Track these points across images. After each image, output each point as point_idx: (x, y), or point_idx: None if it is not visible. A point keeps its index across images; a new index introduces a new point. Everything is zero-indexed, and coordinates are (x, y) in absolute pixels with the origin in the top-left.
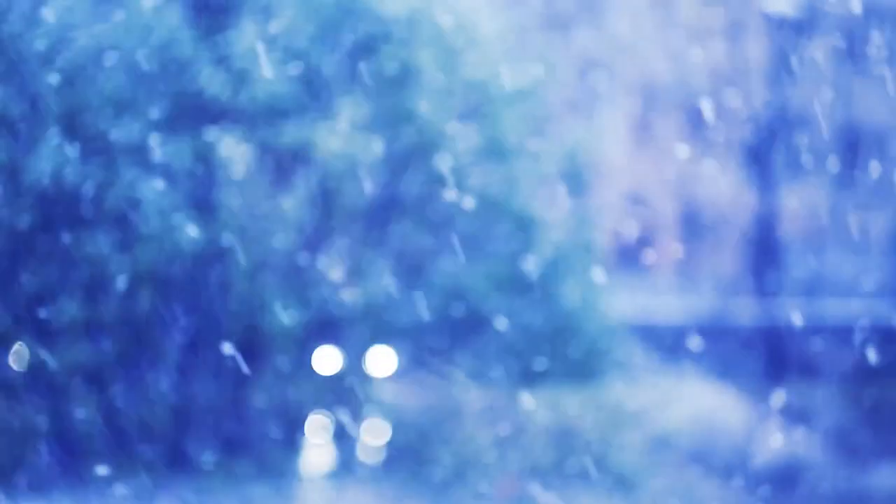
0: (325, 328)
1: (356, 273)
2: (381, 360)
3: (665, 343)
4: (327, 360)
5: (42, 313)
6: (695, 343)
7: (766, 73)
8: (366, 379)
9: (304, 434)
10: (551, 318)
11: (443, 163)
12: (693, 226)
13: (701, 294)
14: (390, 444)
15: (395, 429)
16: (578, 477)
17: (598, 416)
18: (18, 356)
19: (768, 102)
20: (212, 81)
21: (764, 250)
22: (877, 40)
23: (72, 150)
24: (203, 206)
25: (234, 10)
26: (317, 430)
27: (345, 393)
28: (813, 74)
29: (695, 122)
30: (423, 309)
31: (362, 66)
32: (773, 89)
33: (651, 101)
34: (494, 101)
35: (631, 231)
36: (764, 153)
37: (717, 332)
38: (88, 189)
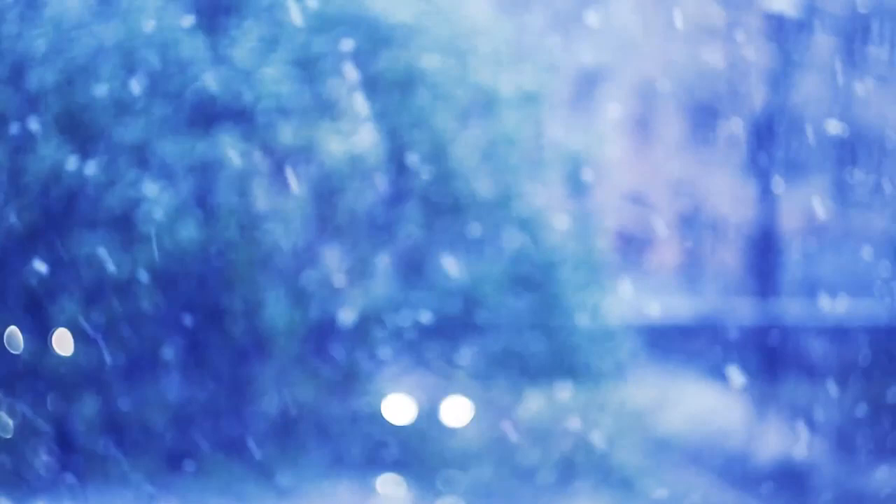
0: (327, 328)
1: (358, 273)
2: (456, 410)
3: (665, 343)
4: (400, 408)
5: (41, 313)
6: (694, 343)
7: (766, 73)
8: (441, 430)
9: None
10: (552, 319)
11: (445, 164)
12: (693, 226)
13: (701, 294)
14: None
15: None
16: (579, 477)
17: (598, 416)
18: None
19: (768, 102)
20: (214, 81)
21: (764, 250)
22: (877, 40)
23: (72, 150)
24: (204, 205)
25: (236, 10)
26: (390, 487)
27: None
28: (813, 74)
29: (695, 121)
30: (424, 309)
31: (366, 68)
32: (773, 89)
33: (651, 101)
34: (497, 103)
35: (631, 231)
36: (764, 153)
37: (716, 332)
38: (88, 189)
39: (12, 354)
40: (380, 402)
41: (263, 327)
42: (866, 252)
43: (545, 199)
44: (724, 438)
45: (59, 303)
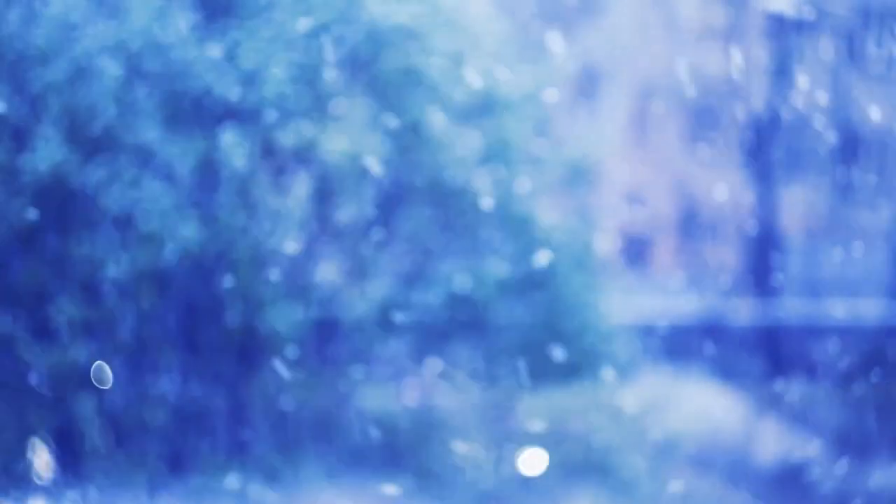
0: (327, 328)
1: (358, 273)
2: (533, 460)
3: (665, 343)
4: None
5: (41, 313)
6: (695, 343)
7: (766, 73)
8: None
9: None
10: (552, 319)
11: (445, 164)
12: (693, 226)
13: (701, 294)
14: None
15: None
16: (579, 477)
17: (598, 417)
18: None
19: (768, 102)
20: (214, 81)
21: (764, 250)
22: (877, 40)
23: (72, 150)
24: (205, 205)
25: (238, 11)
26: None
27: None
28: (813, 74)
29: (695, 121)
30: (424, 310)
31: (366, 69)
32: (773, 89)
33: (651, 102)
34: (497, 104)
35: (631, 231)
36: (764, 153)
37: (717, 332)
38: (88, 189)
39: (10, 355)
40: (379, 402)
41: (264, 327)
42: (866, 252)
43: (545, 200)
44: (724, 438)
45: (57, 302)
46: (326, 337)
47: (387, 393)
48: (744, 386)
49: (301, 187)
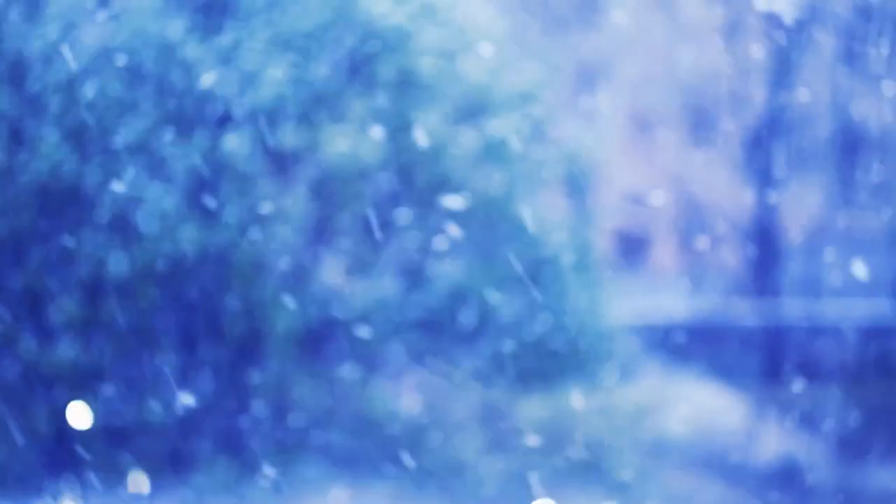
0: (327, 329)
1: (357, 273)
2: None
3: (665, 343)
4: None
5: (41, 313)
6: (695, 343)
7: (765, 73)
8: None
9: None
10: (551, 319)
11: (444, 164)
12: (693, 226)
13: (701, 294)
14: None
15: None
16: (577, 479)
17: (597, 416)
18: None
19: (768, 102)
20: (215, 82)
21: (764, 250)
22: (877, 40)
23: (72, 150)
24: (205, 206)
25: (238, 11)
26: None
27: None
28: (813, 74)
29: (694, 121)
30: (423, 309)
31: (365, 70)
32: (772, 89)
33: (650, 101)
34: (496, 104)
35: (630, 231)
36: (764, 153)
37: (716, 332)
38: (88, 189)
39: (12, 356)
40: (379, 402)
41: (263, 328)
42: (866, 252)
43: (544, 200)
44: (723, 439)
45: (57, 303)
46: (326, 337)
47: (387, 393)
48: (743, 386)
49: (300, 187)
